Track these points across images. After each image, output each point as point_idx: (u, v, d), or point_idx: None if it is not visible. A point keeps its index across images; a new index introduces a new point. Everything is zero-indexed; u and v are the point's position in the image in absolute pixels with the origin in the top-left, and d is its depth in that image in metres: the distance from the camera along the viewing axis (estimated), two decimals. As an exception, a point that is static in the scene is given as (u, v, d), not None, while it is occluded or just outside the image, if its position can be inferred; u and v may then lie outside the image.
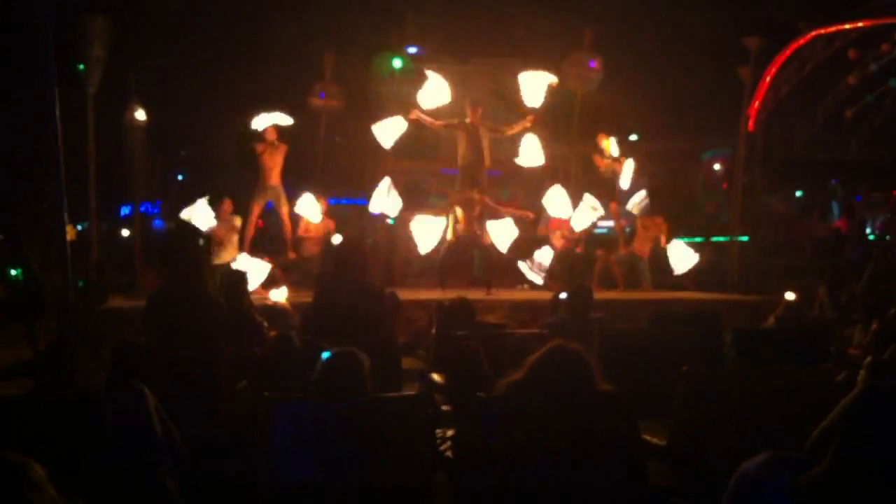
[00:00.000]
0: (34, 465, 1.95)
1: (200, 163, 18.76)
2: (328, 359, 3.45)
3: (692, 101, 15.55)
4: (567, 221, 11.37)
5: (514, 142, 10.78)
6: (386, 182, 10.35)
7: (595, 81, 13.16)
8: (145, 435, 3.31)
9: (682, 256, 11.14)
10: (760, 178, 14.44)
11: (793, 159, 18.33)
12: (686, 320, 6.27)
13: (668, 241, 11.39)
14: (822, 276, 9.82)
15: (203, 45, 14.49)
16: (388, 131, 10.47)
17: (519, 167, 11.30)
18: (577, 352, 3.27)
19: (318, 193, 11.03)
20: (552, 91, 10.70)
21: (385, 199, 10.35)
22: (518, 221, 10.69)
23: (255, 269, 9.78)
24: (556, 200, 10.90)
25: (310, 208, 10.75)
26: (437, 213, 10.61)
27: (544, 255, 10.70)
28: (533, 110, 10.51)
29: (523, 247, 10.95)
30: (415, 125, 10.54)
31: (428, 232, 10.35)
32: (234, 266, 9.84)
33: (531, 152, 10.72)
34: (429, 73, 10.54)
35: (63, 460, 2.49)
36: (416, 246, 10.51)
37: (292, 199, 10.79)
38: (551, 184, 11.21)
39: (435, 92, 10.39)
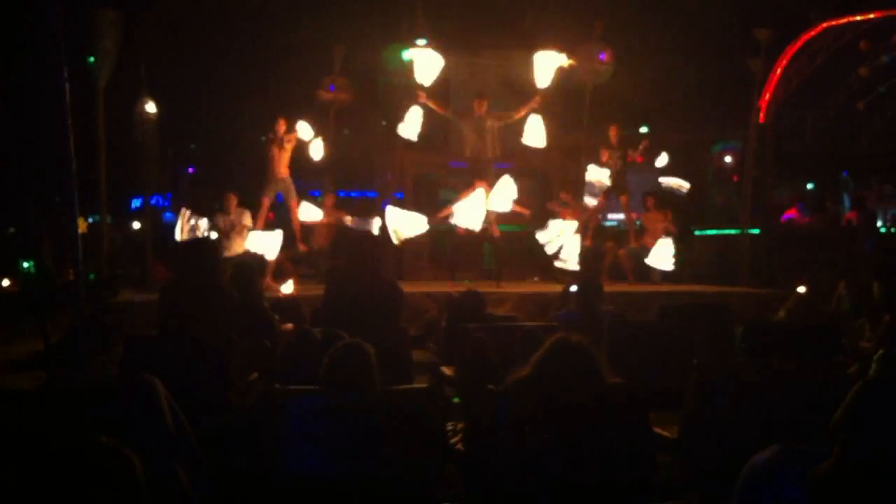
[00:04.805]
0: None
1: (211, 156, 18.80)
2: (334, 352, 3.46)
3: (702, 93, 15.47)
4: (577, 212, 11.36)
5: (523, 133, 10.72)
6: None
7: (605, 73, 13.10)
8: (157, 427, 3.31)
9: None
10: (771, 170, 14.38)
11: (804, 151, 18.24)
12: (696, 313, 6.26)
13: (676, 233, 11.35)
14: (839, 270, 9.78)
15: (213, 38, 14.49)
16: (410, 124, 10.47)
17: (529, 160, 11.20)
18: (580, 343, 3.26)
19: (327, 187, 11.00)
20: (563, 76, 10.61)
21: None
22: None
23: (269, 242, 9.85)
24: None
25: (311, 213, 10.76)
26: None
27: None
28: (540, 92, 10.44)
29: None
30: (425, 116, 10.50)
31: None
32: (248, 246, 9.91)
33: (534, 132, 10.59)
34: (413, 52, 10.62)
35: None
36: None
37: (300, 192, 10.79)
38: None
39: (428, 66, 10.24)
